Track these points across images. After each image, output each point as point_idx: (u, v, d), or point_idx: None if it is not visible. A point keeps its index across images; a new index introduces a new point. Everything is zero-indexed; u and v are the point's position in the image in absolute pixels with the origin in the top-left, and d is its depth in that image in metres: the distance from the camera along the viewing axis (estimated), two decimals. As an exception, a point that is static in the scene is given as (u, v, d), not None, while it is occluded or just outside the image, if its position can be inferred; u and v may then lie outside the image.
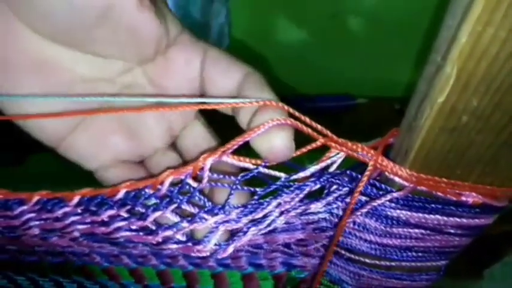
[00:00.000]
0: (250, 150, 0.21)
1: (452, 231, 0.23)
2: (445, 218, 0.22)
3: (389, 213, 0.23)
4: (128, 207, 0.23)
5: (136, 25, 0.21)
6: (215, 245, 0.23)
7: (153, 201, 0.23)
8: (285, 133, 0.21)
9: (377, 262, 0.25)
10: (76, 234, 0.25)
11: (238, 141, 0.21)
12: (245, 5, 0.61)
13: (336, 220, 0.24)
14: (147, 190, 0.22)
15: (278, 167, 0.22)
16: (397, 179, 0.21)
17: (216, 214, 0.22)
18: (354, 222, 0.24)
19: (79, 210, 0.23)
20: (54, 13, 0.20)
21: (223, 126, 0.25)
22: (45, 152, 0.25)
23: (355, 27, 0.62)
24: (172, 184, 0.22)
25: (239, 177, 0.22)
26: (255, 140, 0.21)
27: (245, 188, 0.22)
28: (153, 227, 0.23)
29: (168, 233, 0.23)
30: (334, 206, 0.23)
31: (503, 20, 0.15)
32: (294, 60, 0.65)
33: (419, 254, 0.24)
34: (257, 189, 0.22)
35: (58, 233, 0.25)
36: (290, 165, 0.22)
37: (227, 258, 0.28)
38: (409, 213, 0.22)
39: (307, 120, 0.21)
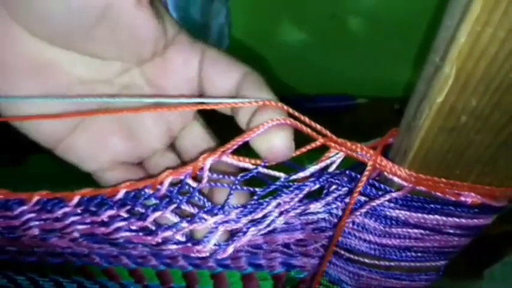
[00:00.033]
0: (249, 150, 0.21)
1: (451, 231, 0.23)
2: (444, 218, 0.22)
3: (388, 213, 0.23)
4: (128, 207, 0.23)
5: (135, 24, 0.21)
6: (215, 245, 0.23)
7: (152, 201, 0.23)
8: (284, 133, 0.21)
9: (376, 262, 0.25)
10: (76, 234, 0.25)
11: (237, 141, 0.21)
12: (245, 5, 0.61)
13: (335, 220, 0.24)
14: (146, 190, 0.22)
15: (277, 167, 0.22)
16: (396, 179, 0.21)
17: (216, 214, 0.22)
18: (353, 222, 0.24)
19: (79, 211, 0.23)
20: (52, 16, 0.20)
21: (222, 126, 0.25)
22: (45, 152, 0.25)
23: (355, 27, 0.62)
24: (172, 184, 0.22)
25: (239, 178, 0.22)
26: (255, 140, 0.21)
27: (245, 188, 0.22)
28: (153, 227, 0.23)
29: (168, 233, 0.23)
30: (334, 206, 0.23)
31: (502, 20, 0.15)
32: (294, 60, 0.65)
33: (419, 254, 0.24)
34: (257, 189, 0.22)
35: (58, 234, 0.25)
36: (289, 165, 0.22)
37: (227, 259, 0.28)
38: (408, 213, 0.22)
39: (307, 120, 0.21)
